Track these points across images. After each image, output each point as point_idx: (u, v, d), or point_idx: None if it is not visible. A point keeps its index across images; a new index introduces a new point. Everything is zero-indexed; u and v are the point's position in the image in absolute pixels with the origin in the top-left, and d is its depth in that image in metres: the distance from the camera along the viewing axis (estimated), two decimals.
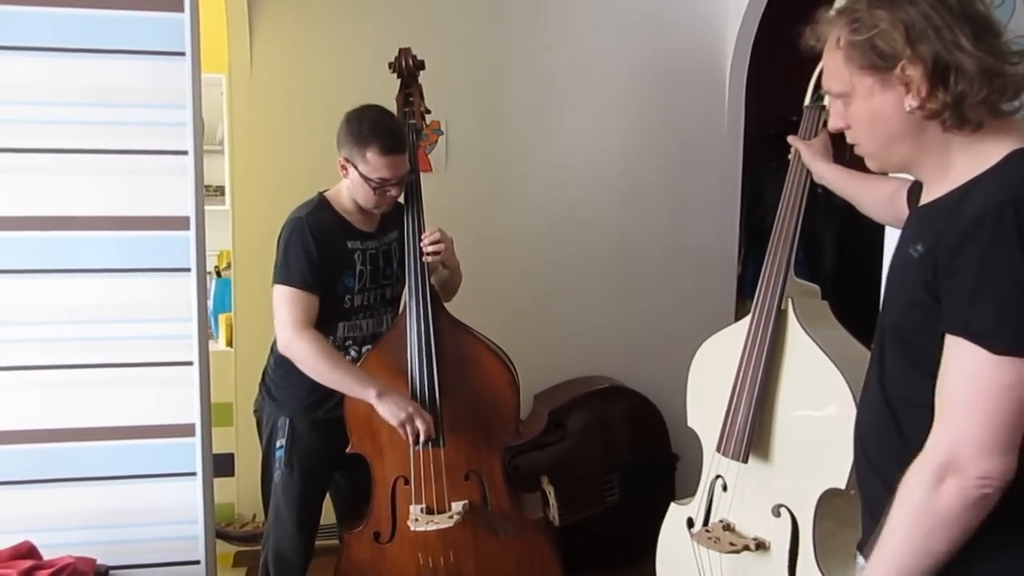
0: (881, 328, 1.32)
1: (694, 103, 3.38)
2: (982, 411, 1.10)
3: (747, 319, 1.98)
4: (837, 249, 3.92)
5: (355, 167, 2.25)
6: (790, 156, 2.00)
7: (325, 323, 2.27)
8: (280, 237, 2.29)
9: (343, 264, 2.31)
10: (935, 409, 1.16)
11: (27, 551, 1.98)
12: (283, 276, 2.24)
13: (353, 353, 2.37)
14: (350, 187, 2.31)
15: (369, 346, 2.38)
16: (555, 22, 3.27)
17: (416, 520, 2.28)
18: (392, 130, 2.26)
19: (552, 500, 2.75)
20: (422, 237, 2.33)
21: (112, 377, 2.10)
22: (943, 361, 1.15)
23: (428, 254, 2.32)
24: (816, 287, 2.04)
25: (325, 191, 2.38)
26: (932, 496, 1.13)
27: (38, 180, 2.04)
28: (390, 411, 2.20)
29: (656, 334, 3.42)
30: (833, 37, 1.24)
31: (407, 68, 2.45)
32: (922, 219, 1.26)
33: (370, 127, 2.23)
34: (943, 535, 1.13)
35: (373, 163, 2.23)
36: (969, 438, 1.11)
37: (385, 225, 2.42)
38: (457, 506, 2.32)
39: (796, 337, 1.89)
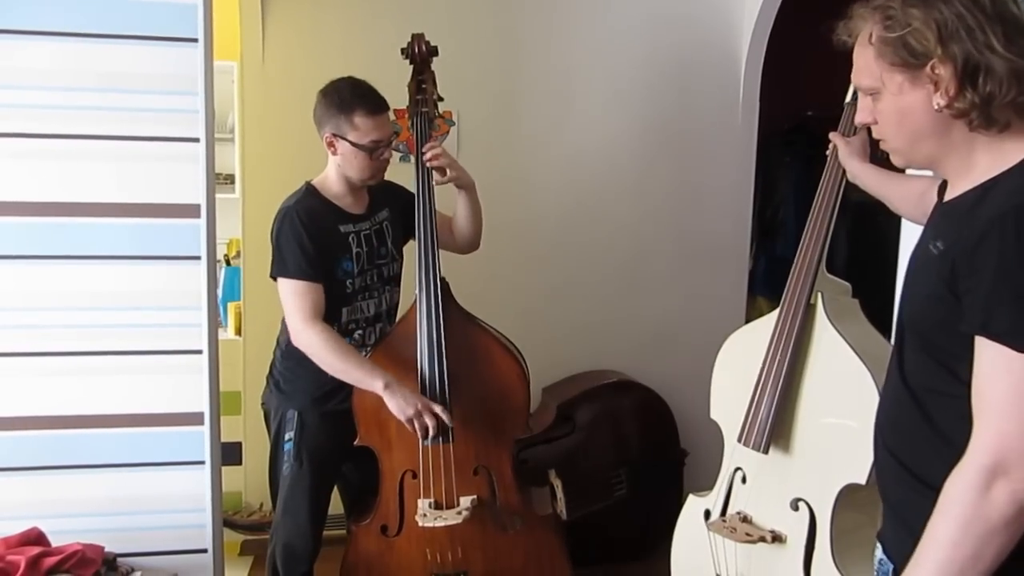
0: (900, 321, 1.33)
1: (709, 97, 3.36)
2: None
3: (776, 312, 1.98)
4: (850, 247, 3.89)
5: (344, 139, 2.25)
6: (828, 152, 2.00)
7: (329, 310, 2.26)
8: (272, 230, 2.27)
9: (340, 249, 2.30)
10: (972, 411, 1.14)
11: (36, 537, 1.98)
12: (281, 269, 2.24)
13: (357, 336, 2.36)
14: (341, 164, 2.30)
15: (371, 327, 2.38)
16: (570, 13, 3.25)
17: (424, 516, 2.27)
18: (371, 91, 2.29)
19: (560, 494, 2.73)
20: (423, 151, 2.35)
21: (121, 365, 2.09)
22: (975, 362, 1.13)
23: (430, 161, 2.34)
24: (847, 284, 2.02)
25: (311, 180, 2.36)
26: (982, 502, 1.10)
27: (49, 165, 2.03)
28: (398, 405, 2.19)
29: (666, 328, 3.40)
30: (865, 33, 1.25)
31: (420, 54, 2.43)
32: (943, 216, 1.27)
33: (350, 94, 2.26)
34: (994, 542, 1.10)
35: (363, 127, 2.24)
36: (1015, 438, 1.08)
37: (374, 205, 2.41)
38: (465, 501, 2.30)
39: (824, 331, 1.89)
